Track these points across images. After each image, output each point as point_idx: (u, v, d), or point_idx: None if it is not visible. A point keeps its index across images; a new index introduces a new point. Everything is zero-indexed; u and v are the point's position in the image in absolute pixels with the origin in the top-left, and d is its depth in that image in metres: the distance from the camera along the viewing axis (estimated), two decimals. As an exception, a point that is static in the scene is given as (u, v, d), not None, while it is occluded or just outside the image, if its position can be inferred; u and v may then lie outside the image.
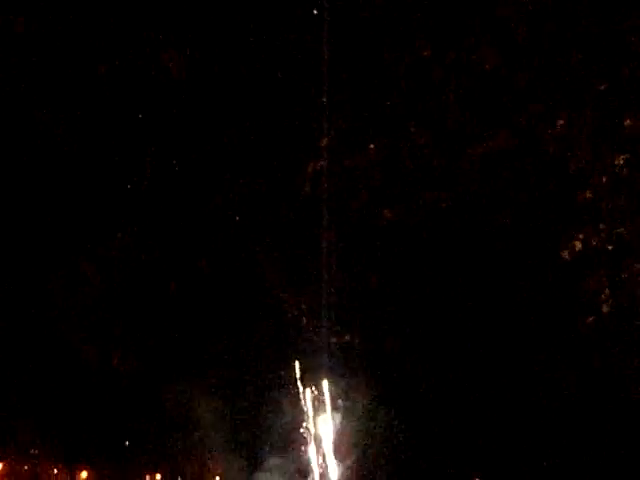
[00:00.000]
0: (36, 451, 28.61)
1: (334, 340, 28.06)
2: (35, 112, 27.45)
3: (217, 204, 28.29)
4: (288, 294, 28.34)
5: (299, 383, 28.63)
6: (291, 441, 28.95)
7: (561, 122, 26.25)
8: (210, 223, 28.42)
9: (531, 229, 26.72)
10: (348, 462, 28.84)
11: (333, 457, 28.87)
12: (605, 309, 26.07)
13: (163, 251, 28.63)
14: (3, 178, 27.02)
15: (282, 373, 28.54)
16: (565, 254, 26.42)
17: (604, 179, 25.97)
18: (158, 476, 29.94)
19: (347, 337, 28.37)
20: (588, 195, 26.19)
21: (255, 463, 28.56)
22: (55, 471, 28.93)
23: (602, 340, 26.36)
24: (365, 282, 28.19)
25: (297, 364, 28.64)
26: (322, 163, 27.78)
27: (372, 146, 27.75)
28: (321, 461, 28.96)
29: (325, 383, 28.64)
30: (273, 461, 28.34)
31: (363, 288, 28.12)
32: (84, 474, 29.23)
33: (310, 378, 28.86)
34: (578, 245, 26.29)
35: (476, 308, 27.27)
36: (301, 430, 28.73)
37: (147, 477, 29.78)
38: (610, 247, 25.91)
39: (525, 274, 26.83)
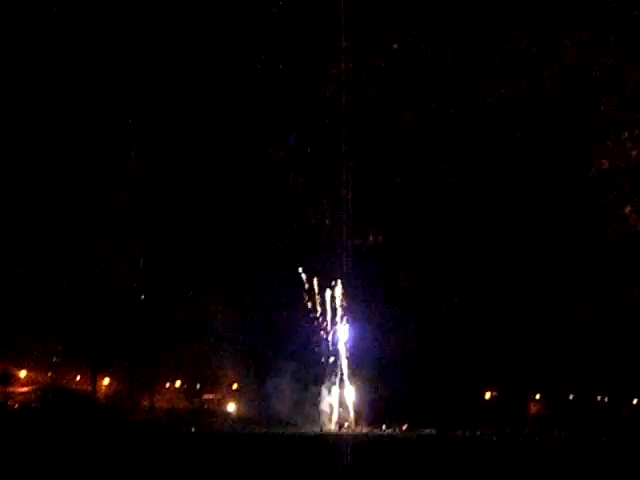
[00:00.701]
0: (59, 359, 28.88)
1: (356, 242, 28.19)
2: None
3: (236, 111, 27.97)
4: (309, 198, 28.35)
5: (316, 290, 28.96)
6: (307, 347, 29.44)
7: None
8: (229, 131, 28.17)
9: (558, 146, 26.66)
10: (364, 371, 29.43)
11: (349, 363, 29.42)
12: (632, 222, 26.37)
13: (180, 163, 28.46)
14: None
15: (301, 279, 28.87)
16: (592, 171, 26.53)
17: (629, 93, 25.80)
18: (178, 382, 30.49)
19: (371, 238, 28.55)
20: (614, 112, 26.09)
21: (270, 369, 29.11)
22: (78, 378, 29.27)
23: (628, 255, 26.75)
24: (385, 184, 28.19)
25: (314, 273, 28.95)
26: (344, 65, 27.39)
27: (395, 46, 27.31)
28: (337, 368, 29.54)
29: (339, 289, 29.01)
30: (288, 366, 28.89)
31: (383, 191, 28.14)
32: (106, 381, 29.61)
33: (328, 286, 29.20)
34: (605, 163, 26.39)
35: (497, 220, 27.50)
36: (318, 336, 29.27)
37: (167, 383, 30.34)
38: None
39: (551, 190, 26.94)
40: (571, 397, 30.82)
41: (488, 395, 31.50)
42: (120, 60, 27.31)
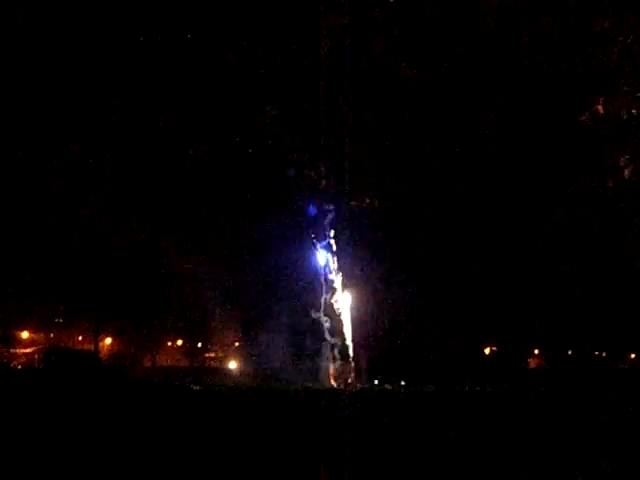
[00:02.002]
0: (60, 320, 29.04)
1: (353, 203, 28.22)
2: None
3: (233, 64, 27.75)
4: (305, 156, 28.27)
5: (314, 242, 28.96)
6: (307, 304, 29.59)
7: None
8: (224, 84, 27.98)
9: (552, 92, 26.27)
10: (364, 328, 29.61)
11: (350, 319, 29.54)
12: (626, 174, 26.25)
13: (173, 116, 28.24)
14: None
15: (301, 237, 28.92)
16: (586, 118, 26.22)
17: (629, 40, 25.45)
18: (179, 341, 30.76)
19: (367, 201, 28.54)
20: (612, 57, 25.69)
21: (270, 327, 29.31)
22: (80, 338, 29.48)
23: (622, 205, 26.65)
24: (383, 143, 28.05)
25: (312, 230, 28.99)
26: (341, 18, 27.13)
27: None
28: (336, 325, 29.69)
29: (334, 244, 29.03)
30: (288, 324, 29.09)
31: (381, 150, 28.02)
32: (108, 340, 29.83)
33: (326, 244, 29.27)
34: (600, 109, 26.03)
35: (493, 173, 27.45)
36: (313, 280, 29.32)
37: (169, 342, 30.60)
38: (634, 111, 25.67)
39: (546, 138, 26.67)
40: (570, 352, 31.21)
41: (488, 351, 31.81)
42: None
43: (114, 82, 27.29)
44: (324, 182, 28.50)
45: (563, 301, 28.94)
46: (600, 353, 31.94)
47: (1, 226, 27.19)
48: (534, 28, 26.39)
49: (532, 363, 31.91)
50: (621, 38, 25.67)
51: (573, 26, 26.12)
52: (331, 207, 28.67)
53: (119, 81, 27.36)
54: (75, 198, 27.91)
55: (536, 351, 32.04)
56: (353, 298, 29.65)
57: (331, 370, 29.71)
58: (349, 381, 29.73)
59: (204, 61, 27.77)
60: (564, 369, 30.48)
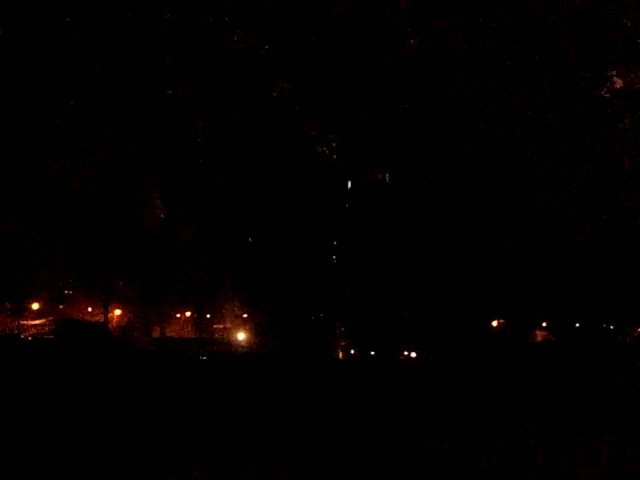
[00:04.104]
0: (70, 291, 29.27)
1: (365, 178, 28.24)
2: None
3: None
4: (317, 130, 28.25)
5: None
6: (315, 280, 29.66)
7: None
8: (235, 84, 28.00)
9: (570, 65, 26.02)
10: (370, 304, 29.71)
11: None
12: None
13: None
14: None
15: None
16: (604, 91, 25.95)
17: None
18: (188, 313, 30.93)
19: (379, 175, 28.55)
20: (628, 29, 25.41)
21: (279, 299, 29.50)
22: (90, 309, 29.70)
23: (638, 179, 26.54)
24: (395, 116, 27.97)
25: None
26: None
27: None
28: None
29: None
30: (298, 295, 29.25)
31: (393, 123, 27.95)
32: (117, 312, 30.03)
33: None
34: (619, 82, 25.75)
35: (505, 150, 27.38)
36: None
37: (177, 314, 30.78)
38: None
39: (564, 111, 26.47)
40: (577, 325, 31.25)
41: (495, 323, 31.86)
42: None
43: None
44: (335, 157, 28.53)
45: (572, 272, 28.93)
46: (608, 326, 31.93)
47: (14, 202, 27.45)
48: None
49: (539, 336, 31.93)
50: None
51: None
52: (342, 182, 28.71)
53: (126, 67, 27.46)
54: (85, 170, 28.08)
55: (544, 324, 32.04)
56: (361, 273, 29.74)
57: (340, 341, 29.85)
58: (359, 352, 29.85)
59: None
60: (571, 341, 30.55)
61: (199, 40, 27.55)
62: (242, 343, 30.54)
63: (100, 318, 29.51)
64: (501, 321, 31.71)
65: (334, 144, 27.95)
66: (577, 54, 25.89)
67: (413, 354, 30.04)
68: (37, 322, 29.13)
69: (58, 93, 27.08)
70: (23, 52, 26.62)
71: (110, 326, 29.53)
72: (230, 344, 30.19)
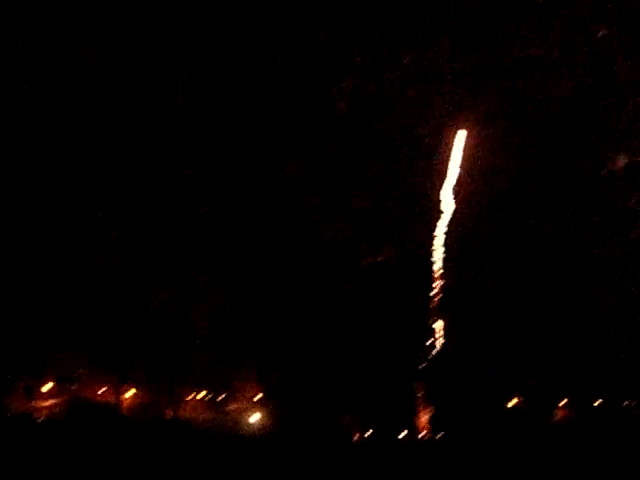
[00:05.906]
0: (82, 372, 29.08)
1: None
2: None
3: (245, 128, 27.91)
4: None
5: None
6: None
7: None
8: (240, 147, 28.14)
9: (574, 142, 26.19)
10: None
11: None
12: None
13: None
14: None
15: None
16: (608, 169, 26.06)
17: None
18: (202, 393, 30.56)
19: None
20: (631, 109, 25.65)
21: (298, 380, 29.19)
22: (102, 390, 29.44)
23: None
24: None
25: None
26: (356, 82, 27.29)
27: (406, 61, 27.20)
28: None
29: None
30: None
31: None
32: (129, 394, 29.75)
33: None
34: (621, 160, 25.89)
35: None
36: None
37: (191, 395, 30.42)
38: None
39: (567, 186, 26.51)
40: (597, 403, 30.59)
41: (514, 401, 31.26)
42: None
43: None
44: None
45: (593, 350, 28.53)
46: (630, 403, 31.27)
47: (25, 280, 27.54)
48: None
49: (559, 414, 31.26)
50: None
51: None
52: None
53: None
54: (97, 251, 28.21)
55: (563, 402, 31.40)
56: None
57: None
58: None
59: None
60: (592, 420, 29.89)
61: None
62: (256, 425, 30.11)
63: (112, 399, 29.26)
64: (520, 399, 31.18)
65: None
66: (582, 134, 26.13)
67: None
68: (48, 403, 28.87)
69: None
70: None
71: (122, 407, 29.25)
72: (242, 427, 29.76)
